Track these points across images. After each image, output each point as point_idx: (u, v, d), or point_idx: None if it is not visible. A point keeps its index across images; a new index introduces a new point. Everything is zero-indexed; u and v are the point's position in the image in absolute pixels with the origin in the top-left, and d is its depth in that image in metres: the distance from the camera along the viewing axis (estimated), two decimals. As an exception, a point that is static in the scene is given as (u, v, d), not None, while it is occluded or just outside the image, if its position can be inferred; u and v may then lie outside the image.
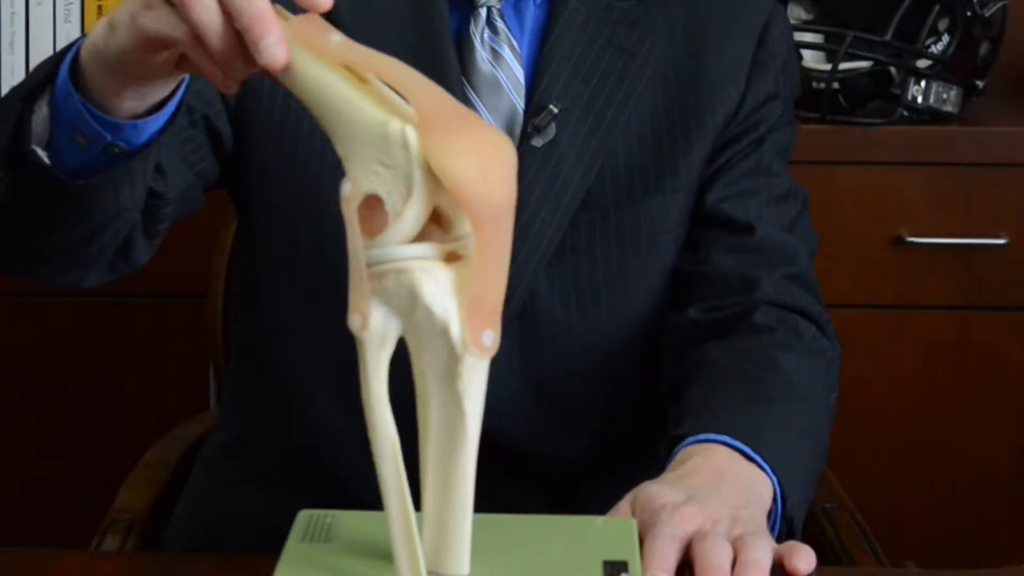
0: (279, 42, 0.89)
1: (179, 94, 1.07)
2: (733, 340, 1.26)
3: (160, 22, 0.94)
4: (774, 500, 1.11)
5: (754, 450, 1.12)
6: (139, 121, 1.06)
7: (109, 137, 1.07)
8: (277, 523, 1.08)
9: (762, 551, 1.00)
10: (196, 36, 0.92)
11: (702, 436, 1.13)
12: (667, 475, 1.10)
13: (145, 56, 0.98)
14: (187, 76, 1.04)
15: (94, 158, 1.08)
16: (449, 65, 1.28)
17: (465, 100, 1.28)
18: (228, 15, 0.91)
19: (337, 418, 1.28)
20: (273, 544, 1.04)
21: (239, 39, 0.91)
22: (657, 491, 1.05)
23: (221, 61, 0.93)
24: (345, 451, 1.27)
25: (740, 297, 1.28)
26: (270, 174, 1.29)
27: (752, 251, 1.31)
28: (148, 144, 1.09)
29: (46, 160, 1.09)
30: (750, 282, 1.29)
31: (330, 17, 1.27)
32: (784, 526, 1.13)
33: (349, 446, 1.25)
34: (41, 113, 1.09)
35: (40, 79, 1.08)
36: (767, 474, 1.11)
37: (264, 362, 1.35)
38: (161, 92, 1.05)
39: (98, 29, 1.02)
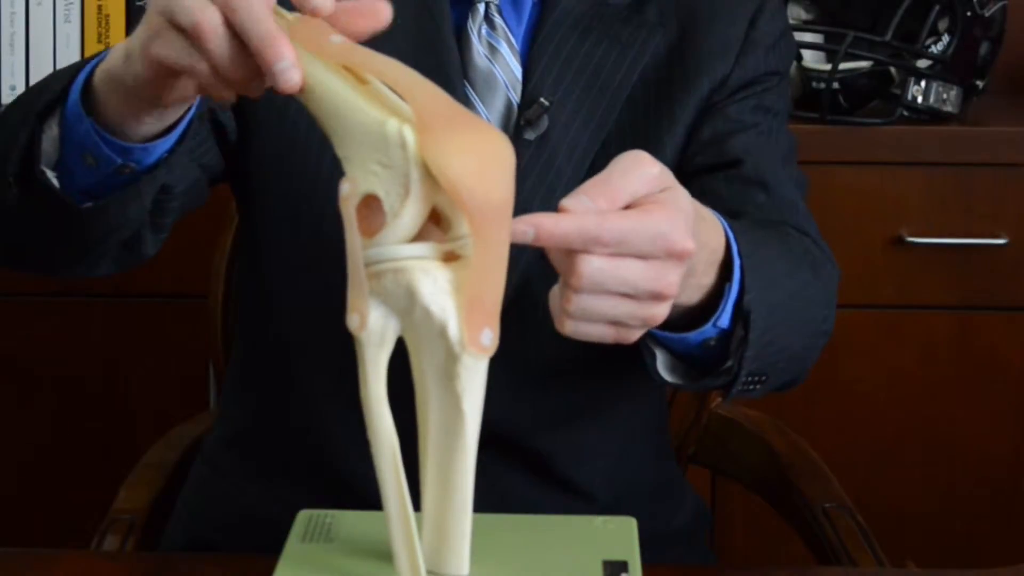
0: (293, 66, 0.89)
1: (189, 115, 1.08)
2: None
3: (174, 50, 0.94)
4: (728, 283, 1.08)
5: (732, 230, 1.08)
6: (150, 144, 1.07)
7: (120, 160, 1.07)
8: (278, 516, 1.08)
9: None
10: (214, 67, 0.92)
11: None
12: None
13: (165, 82, 0.98)
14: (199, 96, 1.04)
15: (104, 178, 1.08)
16: (451, 63, 1.29)
17: (463, 97, 1.28)
18: (239, 39, 0.91)
19: (338, 411, 1.27)
20: (273, 537, 1.04)
21: (254, 62, 0.91)
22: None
23: (239, 86, 0.93)
24: (346, 444, 1.27)
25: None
26: (272, 164, 1.29)
27: (738, 183, 1.29)
28: (158, 163, 1.09)
29: (56, 183, 1.09)
30: (733, 213, 1.25)
31: None
32: (738, 317, 1.09)
33: (350, 439, 1.25)
34: (51, 133, 1.09)
35: (50, 99, 1.08)
36: (734, 254, 1.07)
37: (265, 355, 1.35)
38: (178, 112, 1.06)
39: (115, 55, 1.02)
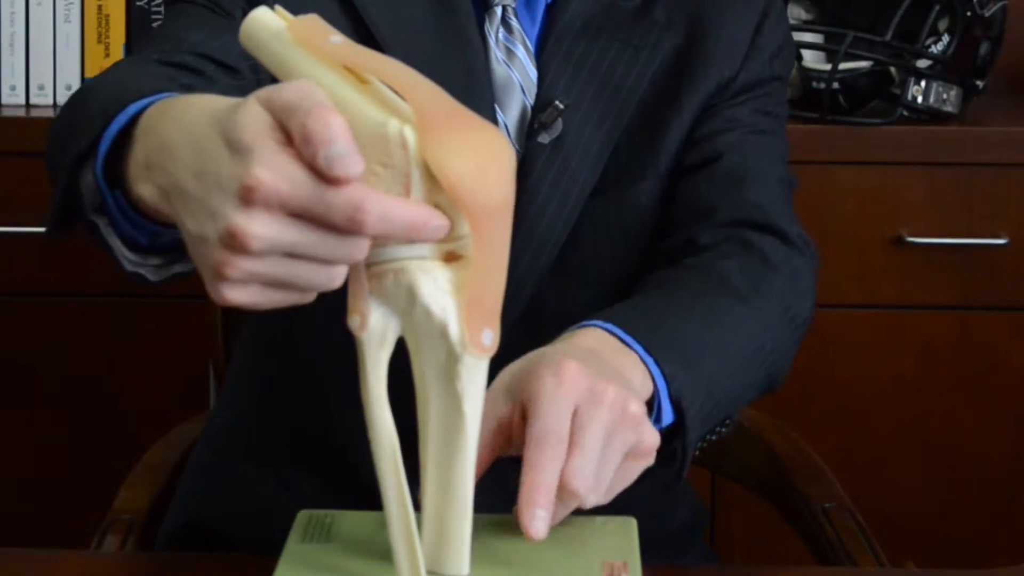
0: (349, 153, 0.82)
1: None
2: (680, 261, 1.26)
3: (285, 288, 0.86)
4: (654, 379, 1.09)
5: (627, 332, 1.10)
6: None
7: (146, 242, 1.02)
8: (279, 500, 1.08)
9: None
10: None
11: (581, 324, 1.11)
12: (532, 352, 1.06)
13: None
14: None
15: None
16: (479, 66, 1.28)
17: (488, 101, 1.28)
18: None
19: (345, 397, 1.27)
20: (272, 522, 1.04)
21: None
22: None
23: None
24: (351, 430, 1.26)
25: (696, 224, 1.28)
26: None
27: (717, 178, 1.30)
28: None
29: (115, 241, 1.03)
30: (707, 208, 1.28)
31: (362, 23, 1.26)
32: (675, 411, 1.10)
33: (355, 425, 1.25)
34: (87, 180, 1.03)
35: (84, 148, 1.01)
36: (639, 355, 1.09)
37: (272, 341, 1.35)
38: None
39: (144, 175, 0.92)
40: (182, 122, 0.88)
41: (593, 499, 0.98)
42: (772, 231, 1.27)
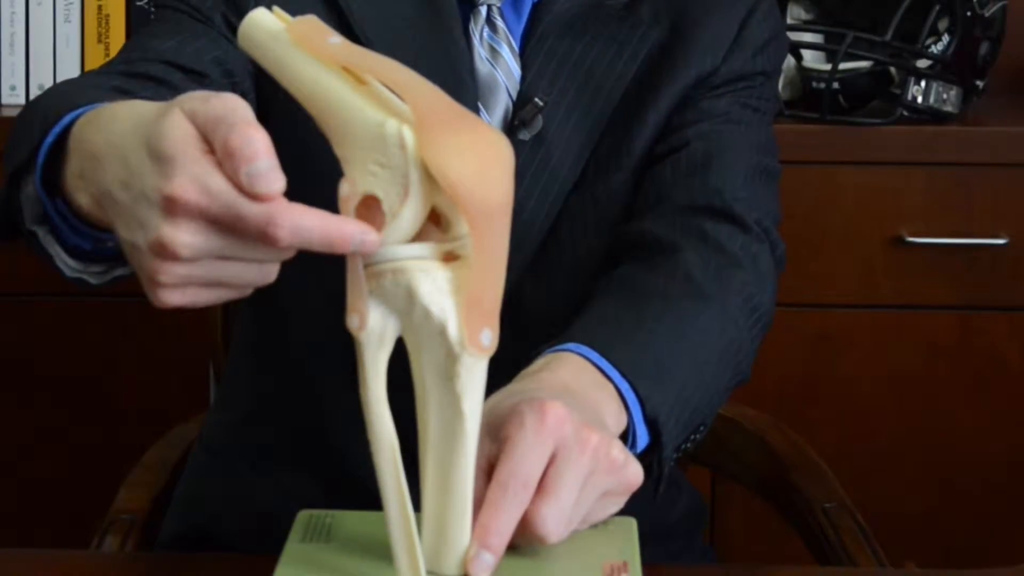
0: (271, 170, 0.84)
1: None
2: (635, 254, 1.25)
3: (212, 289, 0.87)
4: (628, 406, 1.09)
5: (602, 354, 1.09)
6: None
7: (89, 247, 1.02)
8: (278, 501, 1.08)
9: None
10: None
11: (556, 347, 1.11)
12: (511, 386, 1.04)
13: None
14: None
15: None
16: (463, 65, 1.28)
17: (472, 100, 1.28)
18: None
19: (342, 399, 1.27)
20: (272, 523, 1.04)
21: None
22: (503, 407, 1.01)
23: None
24: (349, 432, 1.27)
25: (652, 209, 1.27)
26: (285, 155, 1.28)
27: (680, 164, 1.29)
28: None
29: (56, 249, 1.03)
30: (664, 194, 1.27)
31: (346, 21, 1.26)
32: (650, 431, 1.10)
33: (353, 426, 1.25)
34: (28, 191, 1.03)
35: (24, 158, 1.01)
36: (614, 383, 1.08)
37: (269, 342, 1.35)
38: None
39: (79, 182, 0.93)
40: (109, 131, 0.90)
41: (558, 541, 0.96)
42: (729, 218, 1.26)
